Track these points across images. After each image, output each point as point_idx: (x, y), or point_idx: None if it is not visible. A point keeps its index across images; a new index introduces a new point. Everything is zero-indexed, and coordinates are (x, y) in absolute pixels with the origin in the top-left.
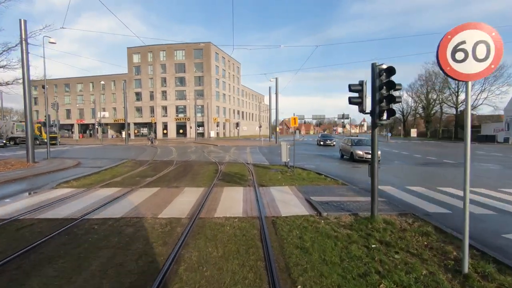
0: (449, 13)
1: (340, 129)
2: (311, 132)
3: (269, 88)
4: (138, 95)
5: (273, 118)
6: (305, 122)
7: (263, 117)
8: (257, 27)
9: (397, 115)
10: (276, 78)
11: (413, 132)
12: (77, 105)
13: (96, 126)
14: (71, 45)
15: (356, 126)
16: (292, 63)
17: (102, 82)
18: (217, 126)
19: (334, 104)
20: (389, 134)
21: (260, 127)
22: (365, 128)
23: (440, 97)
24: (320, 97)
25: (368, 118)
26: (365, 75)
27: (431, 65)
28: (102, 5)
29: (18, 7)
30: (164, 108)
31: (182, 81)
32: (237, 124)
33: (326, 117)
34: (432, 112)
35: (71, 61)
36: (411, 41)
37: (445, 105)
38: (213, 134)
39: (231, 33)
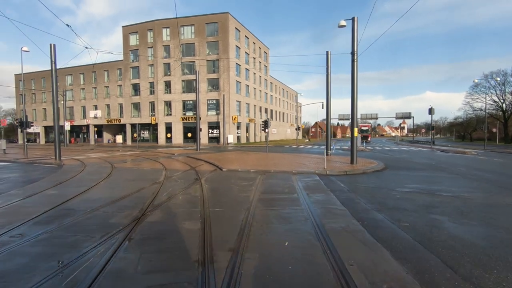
0: (485, 8)
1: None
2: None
3: (327, 53)
4: (136, 88)
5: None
6: (338, 124)
7: (294, 118)
8: (282, 30)
9: (487, 111)
10: (353, 17)
11: None
12: (66, 102)
13: (59, 129)
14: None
15: (396, 128)
16: (319, 66)
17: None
18: (238, 128)
19: (362, 105)
20: None
21: (298, 129)
22: (405, 131)
23: None
24: (348, 99)
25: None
26: (398, 77)
27: None
28: None
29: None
30: (168, 104)
31: (191, 68)
32: (266, 124)
33: (380, 117)
34: None
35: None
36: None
37: None
38: (231, 139)
39: (265, 32)
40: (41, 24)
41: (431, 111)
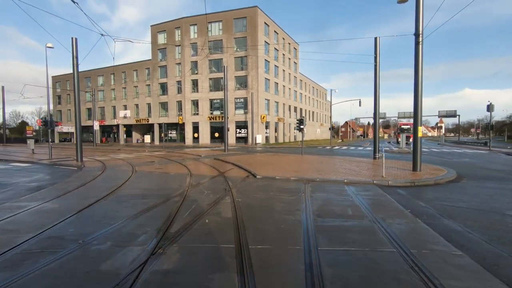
0: None
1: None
2: (385, 136)
3: (375, 40)
4: (164, 87)
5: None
6: (369, 124)
7: (324, 117)
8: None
9: None
10: None
11: None
12: (97, 102)
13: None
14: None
15: (433, 128)
16: (348, 64)
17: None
18: (266, 127)
19: (394, 104)
20: None
21: (331, 128)
22: (443, 130)
23: None
24: (381, 98)
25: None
26: (433, 74)
27: None
28: None
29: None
30: (195, 103)
31: (218, 65)
32: (301, 123)
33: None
34: None
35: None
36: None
37: None
38: (259, 139)
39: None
40: (80, 29)
41: (490, 108)
